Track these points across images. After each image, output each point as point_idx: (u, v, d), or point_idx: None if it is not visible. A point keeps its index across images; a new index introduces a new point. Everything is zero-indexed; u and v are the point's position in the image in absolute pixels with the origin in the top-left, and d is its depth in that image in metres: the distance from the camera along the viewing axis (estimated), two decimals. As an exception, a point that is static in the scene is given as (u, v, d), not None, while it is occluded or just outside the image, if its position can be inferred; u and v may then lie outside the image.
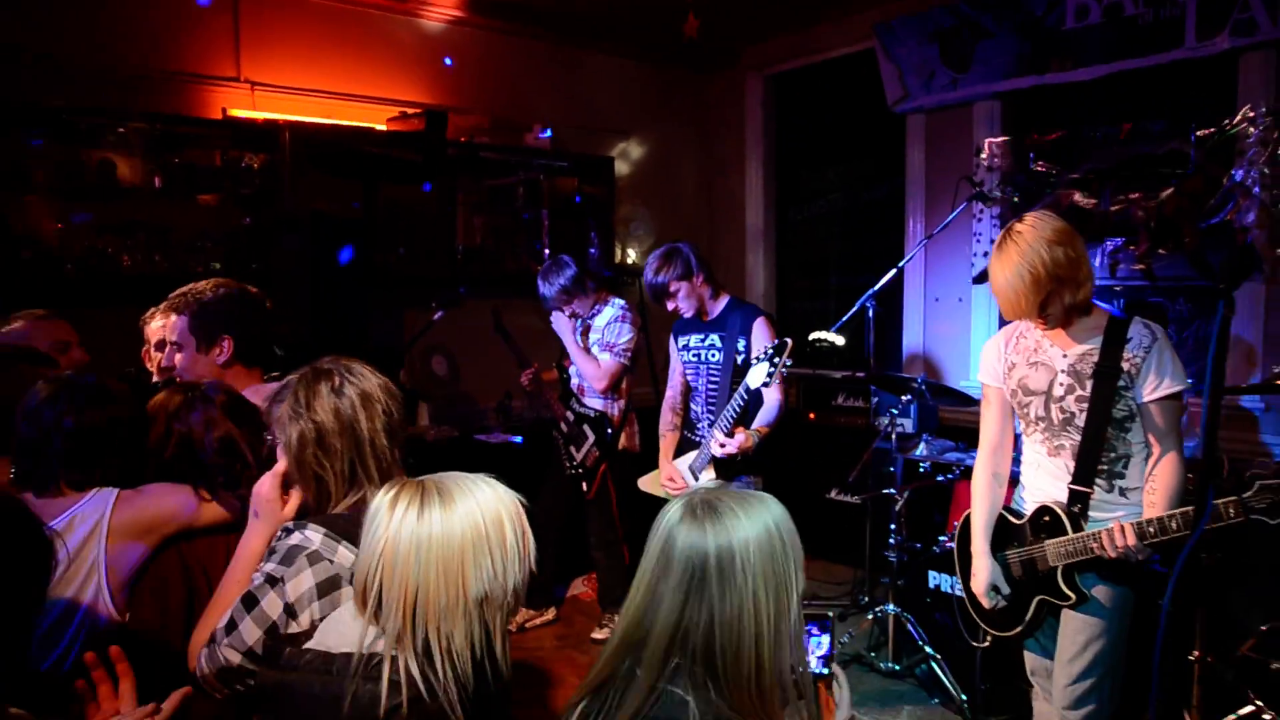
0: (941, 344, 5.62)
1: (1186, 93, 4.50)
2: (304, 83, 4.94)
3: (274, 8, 4.83)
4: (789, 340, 3.09)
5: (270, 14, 4.81)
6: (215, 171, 4.61)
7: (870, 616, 4.17)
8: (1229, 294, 1.82)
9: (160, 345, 2.88)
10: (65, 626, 1.91)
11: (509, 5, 5.52)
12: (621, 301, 4.46)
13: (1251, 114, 4.23)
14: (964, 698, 3.56)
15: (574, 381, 4.51)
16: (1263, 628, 3.48)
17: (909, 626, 3.89)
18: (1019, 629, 2.57)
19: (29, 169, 4.07)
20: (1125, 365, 2.35)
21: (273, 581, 1.67)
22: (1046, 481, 2.55)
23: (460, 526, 1.46)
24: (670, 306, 3.68)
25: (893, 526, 4.05)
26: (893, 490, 4.14)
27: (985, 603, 2.62)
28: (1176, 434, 2.39)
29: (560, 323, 4.38)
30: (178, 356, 2.53)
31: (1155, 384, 2.35)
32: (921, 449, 4.36)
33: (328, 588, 1.69)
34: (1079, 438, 2.42)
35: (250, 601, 1.66)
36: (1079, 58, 4.71)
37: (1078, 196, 4.86)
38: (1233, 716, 3.24)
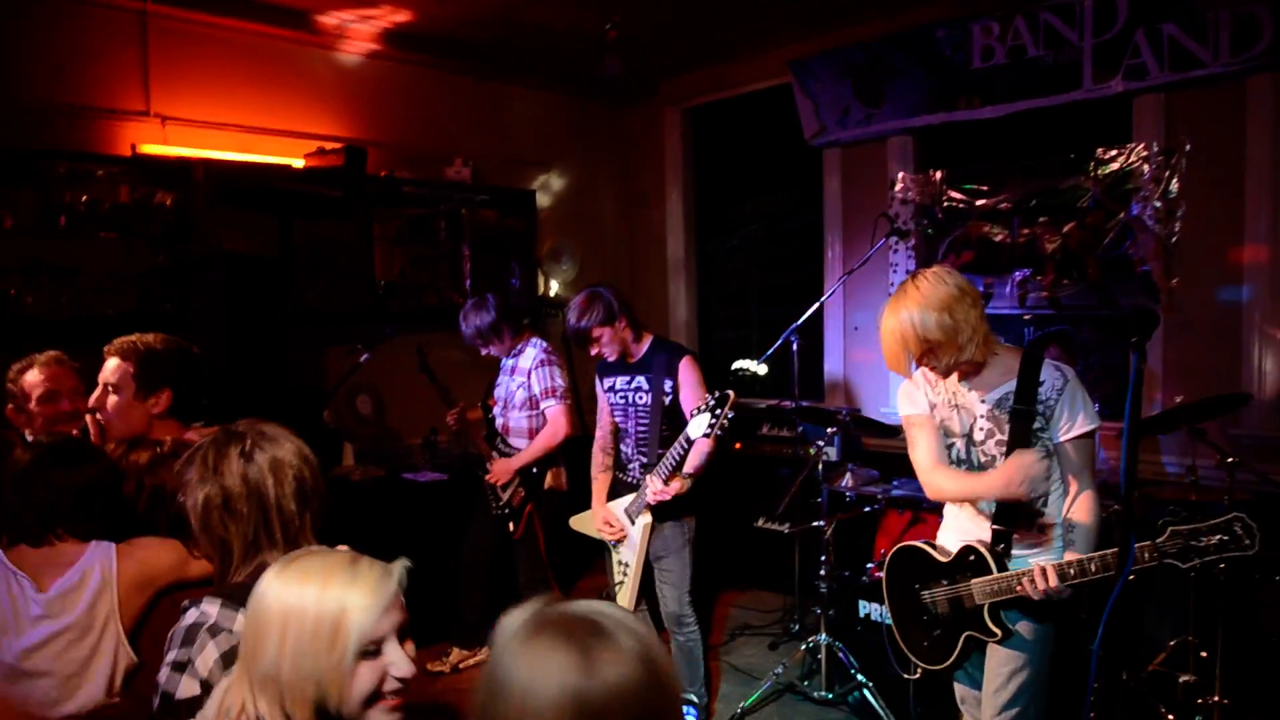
0: (862, 371, 5.76)
1: (1087, 131, 4.73)
2: (217, 117, 4.83)
3: (184, 40, 4.71)
4: (731, 393, 3.10)
5: (181, 46, 4.70)
6: (125, 209, 4.46)
7: (803, 646, 4.23)
8: (1141, 345, 1.92)
9: (45, 397, 2.94)
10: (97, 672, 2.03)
11: (427, 39, 5.50)
12: (543, 343, 4.44)
13: (1145, 152, 4.48)
14: (896, 725, 3.64)
15: (499, 421, 4.48)
16: (1171, 643, 3.66)
17: (840, 655, 3.96)
18: (948, 663, 2.63)
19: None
20: (1040, 408, 2.44)
21: (180, 667, 1.63)
22: (968, 521, 2.62)
23: (277, 599, 1.36)
24: (594, 352, 3.68)
25: (822, 557, 4.12)
26: (820, 521, 4.21)
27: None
28: (1091, 471, 2.49)
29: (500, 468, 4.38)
30: (110, 399, 2.52)
31: (1069, 425, 2.45)
32: (847, 479, 4.45)
33: (232, 657, 1.64)
34: None
35: (166, 700, 1.62)
36: (986, 96, 4.92)
37: (987, 229, 5.07)
38: (1148, 732, 3.39)
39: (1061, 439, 2.46)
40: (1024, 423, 2.44)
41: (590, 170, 6.79)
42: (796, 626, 4.82)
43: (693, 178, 6.80)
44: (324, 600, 1.33)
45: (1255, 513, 2.22)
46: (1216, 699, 3.29)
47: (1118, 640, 3.39)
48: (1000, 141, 5.06)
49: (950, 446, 2.62)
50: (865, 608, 3.83)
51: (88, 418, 2.62)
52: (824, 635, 4.02)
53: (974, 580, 2.51)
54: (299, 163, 5.04)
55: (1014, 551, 2.52)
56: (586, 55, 5.82)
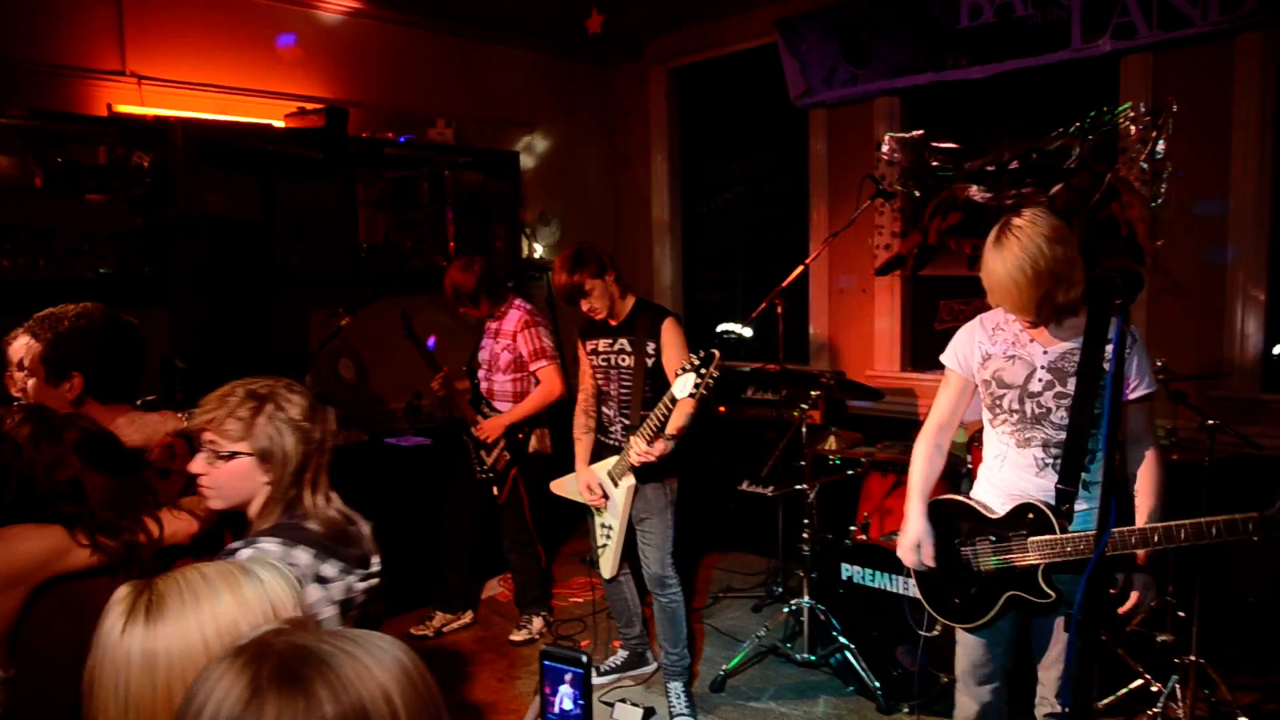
0: (846, 333, 5.76)
1: (1074, 91, 4.69)
2: (195, 77, 4.74)
3: (160, -2, 4.61)
4: (716, 352, 3.07)
5: (156, 4, 4.60)
6: (102, 170, 4.39)
7: (785, 609, 4.26)
8: (1126, 308, 1.91)
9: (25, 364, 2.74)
10: None
11: (409, -3, 5.40)
12: (527, 305, 4.42)
13: (1132, 113, 4.45)
14: (878, 685, 3.68)
15: (484, 385, 4.46)
16: (1151, 603, 3.69)
17: (823, 617, 3.99)
18: (981, 621, 2.56)
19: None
20: (1105, 365, 2.34)
21: None
22: (1012, 474, 2.54)
23: (168, 649, 1.08)
24: (585, 307, 3.66)
25: (805, 520, 4.14)
26: (803, 485, 4.23)
27: (909, 559, 2.60)
28: (1152, 434, 2.48)
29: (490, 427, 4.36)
30: (30, 383, 2.35)
31: (1135, 385, 2.42)
32: (831, 442, 4.46)
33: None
34: (1052, 432, 2.45)
35: None
36: (973, 56, 4.87)
37: (973, 191, 5.05)
38: (1124, 690, 3.44)
39: (1129, 398, 2.44)
40: (1092, 380, 2.37)
41: (574, 131, 6.72)
42: (779, 589, 4.86)
43: (678, 139, 6.75)
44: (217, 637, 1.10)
45: (1234, 474, 2.22)
46: (1193, 658, 3.33)
47: (1096, 600, 3.43)
48: (987, 103, 5.02)
49: (1002, 397, 2.53)
50: (848, 571, 3.86)
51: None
52: (807, 598, 4.05)
53: (1031, 539, 2.42)
54: (280, 124, 4.97)
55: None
56: (571, 13, 5.73)
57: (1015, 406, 2.51)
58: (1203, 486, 3.35)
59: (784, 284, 4.31)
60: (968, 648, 2.67)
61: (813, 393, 4.34)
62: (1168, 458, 3.64)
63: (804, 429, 4.36)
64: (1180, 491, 3.41)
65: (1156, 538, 2.25)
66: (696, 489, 5.36)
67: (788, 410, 4.68)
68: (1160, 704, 3.29)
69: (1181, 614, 3.58)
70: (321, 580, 1.76)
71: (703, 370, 3.06)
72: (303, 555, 1.74)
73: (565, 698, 1.20)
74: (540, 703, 1.23)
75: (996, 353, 2.55)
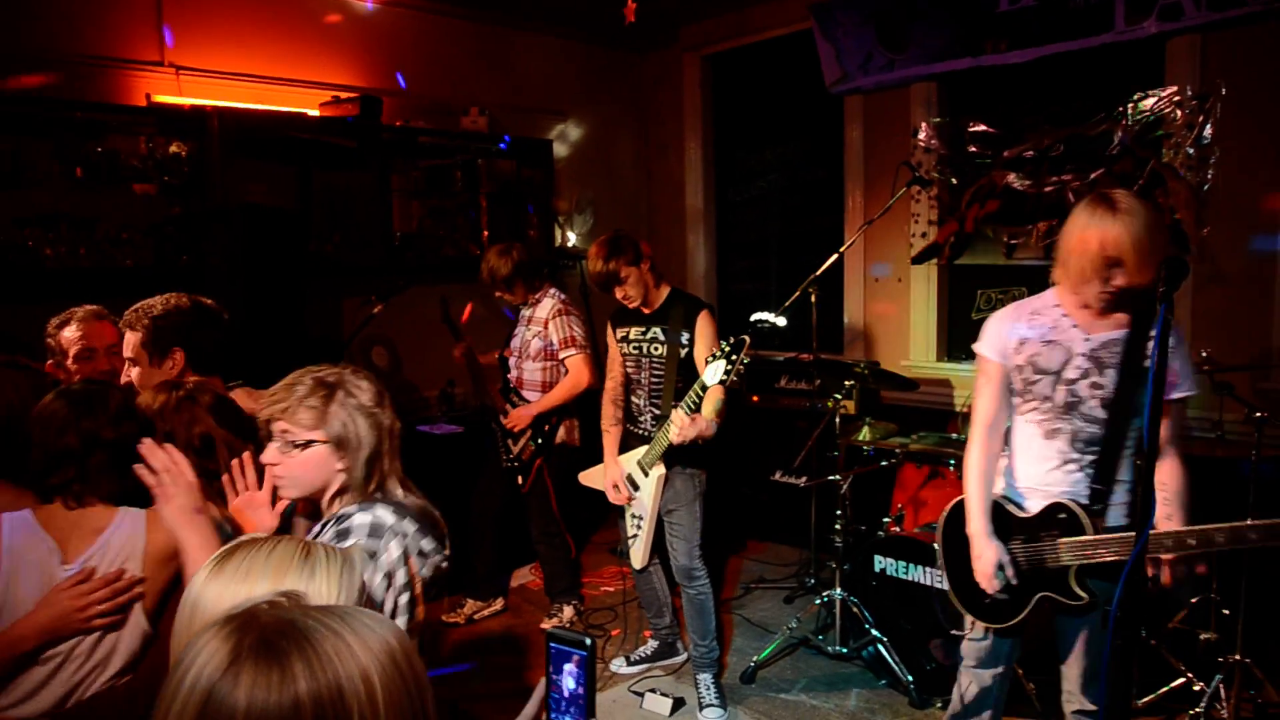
0: (881, 323, 5.69)
1: (1117, 76, 4.58)
2: (232, 67, 4.77)
3: (198, -12, 4.65)
4: (747, 338, 3.05)
5: (194, -5, 4.64)
6: (141, 160, 4.44)
7: (817, 601, 4.23)
8: (1169, 296, 1.86)
9: (81, 354, 2.95)
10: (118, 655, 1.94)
11: (443, -15, 5.40)
12: (561, 294, 4.41)
13: (1178, 97, 4.34)
14: (910, 679, 3.64)
15: (513, 374, 4.46)
16: (1193, 600, 3.62)
17: (855, 609, 3.95)
18: (1013, 622, 2.52)
19: (-62, 159, 3.88)
20: (1146, 362, 2.30)
21: (371, 556, 1.72)
22: (1035, 468, 2.49)
23: (219, 603, 1.11)
24: (620, 295, 3.64)
25: (838, 511, 4.10)
26: (836, 476, 4.19)
27: (993, 585, 2.49)
28: (1181, 441, 2.40)
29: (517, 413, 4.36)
30: (134, 371, 2.57)
31: (1180, 382, 2.34)
32: (864, 433, 4.41)
33: (403, 560, 1.78)
34: (1081, 424, 2.40)
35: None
36: (1013, 40, 4.77)
37: (1012, 178, 4.95)
38: (1165, 689, 3.36)
39: (1172, 397, 2.33)
40: (1135, 379, 2.32)
41: (608, 119, 6.69)
42: (812, 580, 4.82)
43: (712, 126, 6.69)
44: None
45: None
46: (1237, 657, 3.25)
47: (1138, 597, 3.37)
48: (1027, 87, 4.92)
49: (1034, 384, 2.46)
50: (880, 562, 3.81)
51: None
52: (839, 590, 4.02)
53: (1063, 540, 2.37)
54: (315, 113, 5.00)
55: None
56: (605, 1, 5.69)
57: (1047, 393, 2.44)
58: (1248, 483, 3.26)
59: (818, 272, 4.27)
60: (978, 633, 2.65)
61: (847, 382, 4.29)
62: (1212, 452, 3.59)
63: (838, 419, 4.31)
64: (1224, 488, 3.34)
65: (1193, 541, 2.19)
66: (729, 479, 5.35)
67: (821, 400, 4.64)
68: (1203, 704, 3.22)
69: (1226, 612, 3.49)
70: (422, 554, 1.82)
71: (733, 357, 3.03)
72: (410, 526, 1.80)
73: (569, 678, 1.21)
74: (545, 684, 1.23)
75: (1033, 337, 2.47)
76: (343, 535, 1.74)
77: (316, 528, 1.84)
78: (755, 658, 4.01)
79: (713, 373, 3.07)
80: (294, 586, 1.12)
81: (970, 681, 2.69)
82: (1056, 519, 2.40)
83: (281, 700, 0.83)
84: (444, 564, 1.91)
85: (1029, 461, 2.51)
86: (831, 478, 4.24)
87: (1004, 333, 2.53)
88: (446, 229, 5.77)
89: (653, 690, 3.79)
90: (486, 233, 5.86)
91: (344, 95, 5.00)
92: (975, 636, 2.67)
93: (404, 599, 1.76)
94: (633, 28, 5.85)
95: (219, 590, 1.13)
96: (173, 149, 4.48)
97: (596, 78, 6.59)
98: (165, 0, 4.53)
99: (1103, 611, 2.41)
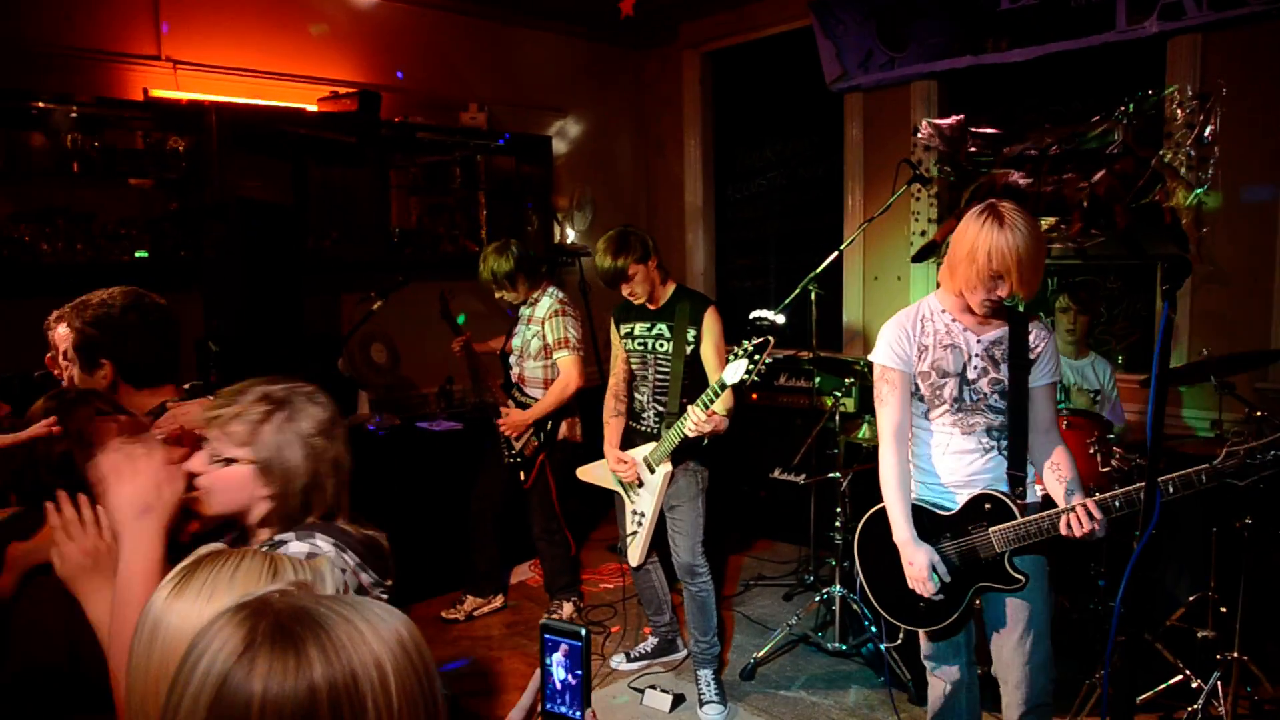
0: (881, 321, 5.60)
1: (1118, 75, 4.58)
2: (230, 61, 4.76)
3: (195, -18, 4.63)
4: (770, 339, 3.04)
5: (191, -11, 4.62)
6: (138, 155, 4.42)
7: (817, 598, 4.23)
8: (1173, 294, 1.86)
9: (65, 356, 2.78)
10: None
11: (442, -20, 5.39)
12: (559, 292, 4.40)
13: (1179, 97, 4.34)
14: (909, 676, 3.64)
15: (514, 371, 4.46)
16: (1190, 598, 3.62)
17: (855, 607, 3.95)
18: (951, 620, 2.58)
19: (-66, 152, 3.86)
20: (1031, 354, 2.54)
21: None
22: (955, 461, 2.59)
23: (185, 625, 1.05)
24: (625, 291, 3.63)
25: (838, 509, 4.10)
26: (836, 473, 4.19)
27: (928, 589, 2.54)
28: (1055, 421, 2.60)
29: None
30: (72, 372, 2.36)
31: (1047, 371, 2.56)
32: (864, 430, 4.41)
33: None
34: (991, 416, 2.55)
35: None
36: (1014, 38, 4.77)
37: (1013, 176, 4.95)
38: (1162, 686, 3.37)
39: (1040, 383, 2.55)
40: (1024, 370, 2.54)
41: (607, 116, 6.69)
42: (811, 578, 4.83)
43: (711, 123, 6.69)
44: None
45: (1282, 468, 2.18)
46: (1235, 655, 3.25)
47: (1136, 595, 3.37)
48: (1028, 86, 4.92)
49: (941, 386, 2.57)
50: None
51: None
52: (838, 587, 4.02)
53: (993, 529, 2.48)
54: (313, 108, 4.98)
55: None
56: (604, -4, 5.70)
57: (955, 394, 2.58)
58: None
59: (818, 270, 4.27)
60: (935, 635, 2.70)
61: (846, 380, 4.29)
62: (1211, 451, 3.58)
63: (837, 416, 4.31)
64: (1224, 486, 3.34)
65: (1118, 503, 2.34)
66: (728, 476, 5.34)
67: (820, 398, 4.63)
68: (1201, 701, 3.22)
69: (1224, 609, 3.49)
70: (361, 589, 1.70)
71: (756, 357, 3.03)
72: (350, 559, 1.66)
73: (562, 668, 1.22)
74: (541, 675, 1.24)
75: (931, 343, 2.59)
76: None
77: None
78: (755, 654, 4.01)
79: (733, 371, 3.06)
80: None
81: (938, 683, 2.75)
82: (983, 510, 2.53)
83: (297, 686, 0.82)
84: (383, 596, 1.75)
85: (951, 459, 2.61)
86: (831, 475, 4.24)
87: (903, 342, 2.62)
88: (445, 225, 5.76)
89: (653, 687, 3.79)
90: (485, 229, 5.85)
91: (343, 91, 4.99)
92: (928, 645, 2.73)
93: None
94: (632, 24, 5.86)
95: (183, 611, 1.07)
96: (170, 144, 4.47)
97: (596, 74, 6.58)
98: (163, -6, 4.52)
99: (1043, 590, 2.56)
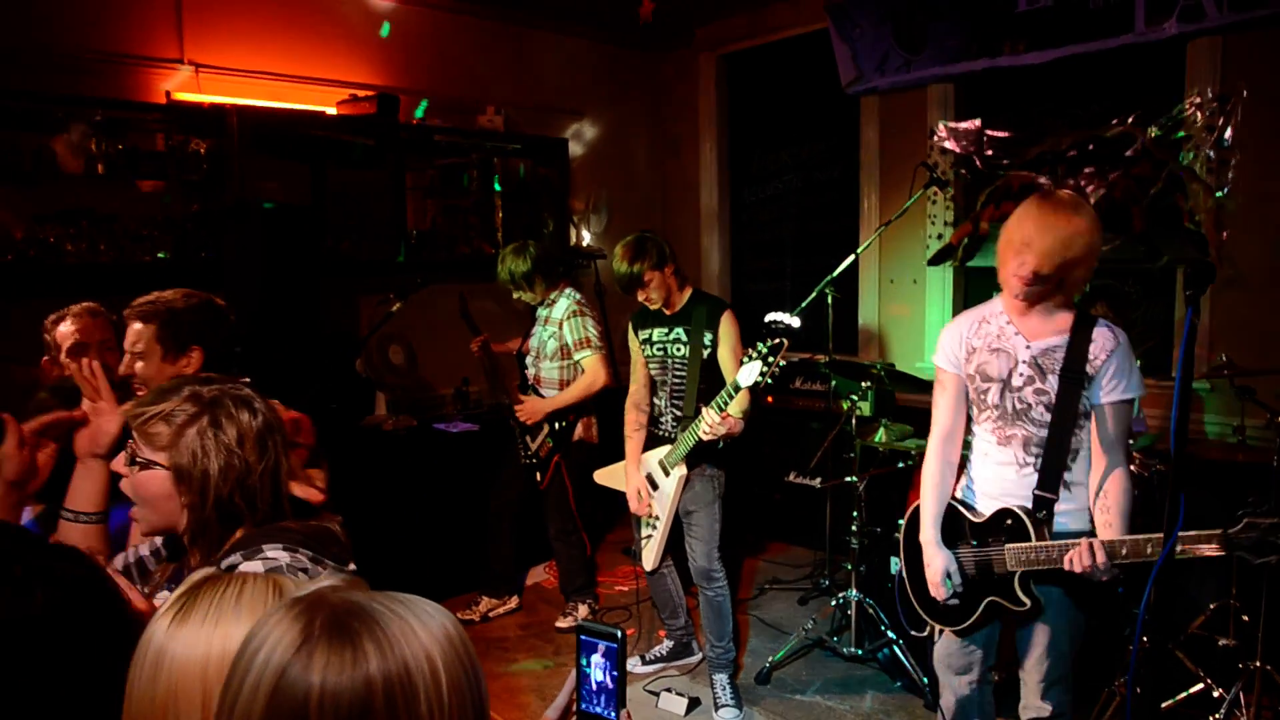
0: (897, 325, 5.68)
1: (1136, 78, 4.56)
2: (250, 65, 4.79)
3: (216, -14, 4.66)
4: (785, 340, 3.03)
5: (213, -8, 4.65)
6: (160, 157, 4.46)
7: (833, 602, 4.22)
8: (1196, 299, 1.85)
9: (74, 349, 2.86)
10: None
11: (460, -16, 5.41)
12: (576, 294, 4.41)
13: (1198, 100, 4.32)
14: (926, 681, 3.63)
15: (530, 372, 4.47)
16: (1211, 605, 3.60)
17: (871, 611, 3.94)
18: (965, 625, 2.57)
19: (-37, 157, 3.90)
20: (1088, 367, 2.36)
21: None
22: (993, 472, 2.52)
23: (192, 654, 1.04)
24: (641, 297, 3.64)
25: (854, 513, 4.09)
26: (853, 477, 4.18)
27: (940, 593, 2.55)
28: (1125, 445, 2.39)
29: None
30: (139, 365, 2.43)
31: (1114, 386, 2.36)
32: (880, 434, 4.40)
33: None
34: (1033, 430, 2.43)
35: None
36: (1031, 41, 4.75)
37: (1029, 179, 4.93)
38: (1183, 695, 3.35)
39: (1103, 400, 2.36)
40: (1075, 385, 2.37)
41: (623, 118, 6.70)
42: (826, 582, 4.82)
43: (727, 126, 6.69)
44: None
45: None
46: (1258, 664, 3.23)
47: (1157, 603, 3.35)
48: (1045, 88, 4.90)
49: (985, 391, 2.52)
50: (897, 564, 3.79)
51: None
52: (854, 591, 4.01)
53: (1009, 545, 2.42)
54: (332, 111, 5.01)
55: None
56: (621, 0, 5.71)
57: (996, 401, 2.49)
58: (1271, 488, 3.24)
59: (835, 273, 4.26)
60: (945, 639, 2.68)
61: (862, 384, 4.28)
62: (1233, 457, 3.57)
63: (853, 420, 4.31)
64: (1246, 493, 3.32)
65: (1125, 550, 2.22)
66: (743, 480, 5.33)
67: (836, 401, 4.63)
68: (1223, 711, 3.20)
69: (1246, 618, 3.47)
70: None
71: (770, 359, 3.02)
72: (304, 556, 1.52)
73: (599, 670, 1.24)
74: (577, 675, 1.26)
75: (980, 345, 2.53)
76: None
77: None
78: (770, 659, 4.00)
79: (747, 374, 3.06)
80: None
81: (948, 689, 2.73)
82: (1004, 525, 2.46)
83: (355, 679, 0.85)
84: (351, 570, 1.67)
85: (989, 469, 2.55)
86: (847, 479, 4.23)
87: (955, 342, 2.59)
88: (461, 227, 5.78)
89: (668, 689, 3.79)
90: (501, 232, 5.87)
91: (361, 93, 5.01)
92: (941, 644, 2.71)
93: None
94: (649, 27, 5.88)
95: (189, 638, 1.05)
96: (192, 146, 4.50)
97: (613, 77, 6.59)
98: (185, -1, 4.56)
99: (1069, 617, 2.46)
